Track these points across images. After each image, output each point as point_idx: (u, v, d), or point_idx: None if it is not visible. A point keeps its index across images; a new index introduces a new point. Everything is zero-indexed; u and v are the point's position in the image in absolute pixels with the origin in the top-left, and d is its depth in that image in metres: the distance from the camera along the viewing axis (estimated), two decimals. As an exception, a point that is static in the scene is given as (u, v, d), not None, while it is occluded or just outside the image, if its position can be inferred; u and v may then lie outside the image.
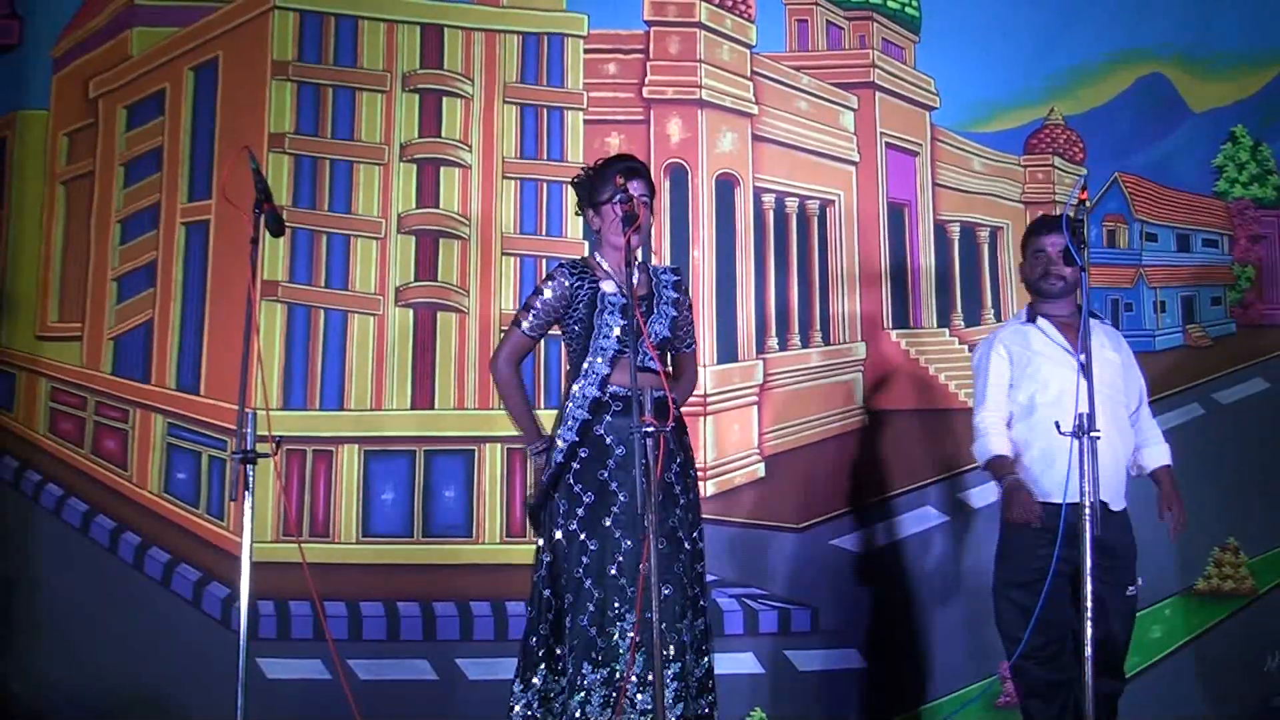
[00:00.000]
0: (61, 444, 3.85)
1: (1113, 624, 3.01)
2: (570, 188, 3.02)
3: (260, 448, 2.50)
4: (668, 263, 3.85)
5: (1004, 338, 3.17)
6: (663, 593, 2.67)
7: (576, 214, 3.02)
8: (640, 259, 2.95)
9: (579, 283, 2.88)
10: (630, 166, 2.91)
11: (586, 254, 3.98)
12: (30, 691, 3.67)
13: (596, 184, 2.91)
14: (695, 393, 3.86)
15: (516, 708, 2.79)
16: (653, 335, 2.88)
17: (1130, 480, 3.11)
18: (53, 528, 3.78)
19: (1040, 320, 3.13)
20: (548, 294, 2.89)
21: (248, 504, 2.46)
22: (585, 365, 2.86)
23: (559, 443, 2.84)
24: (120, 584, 3.75)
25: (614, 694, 2.70)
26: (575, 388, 2.86)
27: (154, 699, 3.61)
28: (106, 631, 3.69)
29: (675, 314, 2.96)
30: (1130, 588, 3.06)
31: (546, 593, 2.81)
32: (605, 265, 2.92)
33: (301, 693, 3.60)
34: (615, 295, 2.87)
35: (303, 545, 3.42)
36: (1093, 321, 3.06)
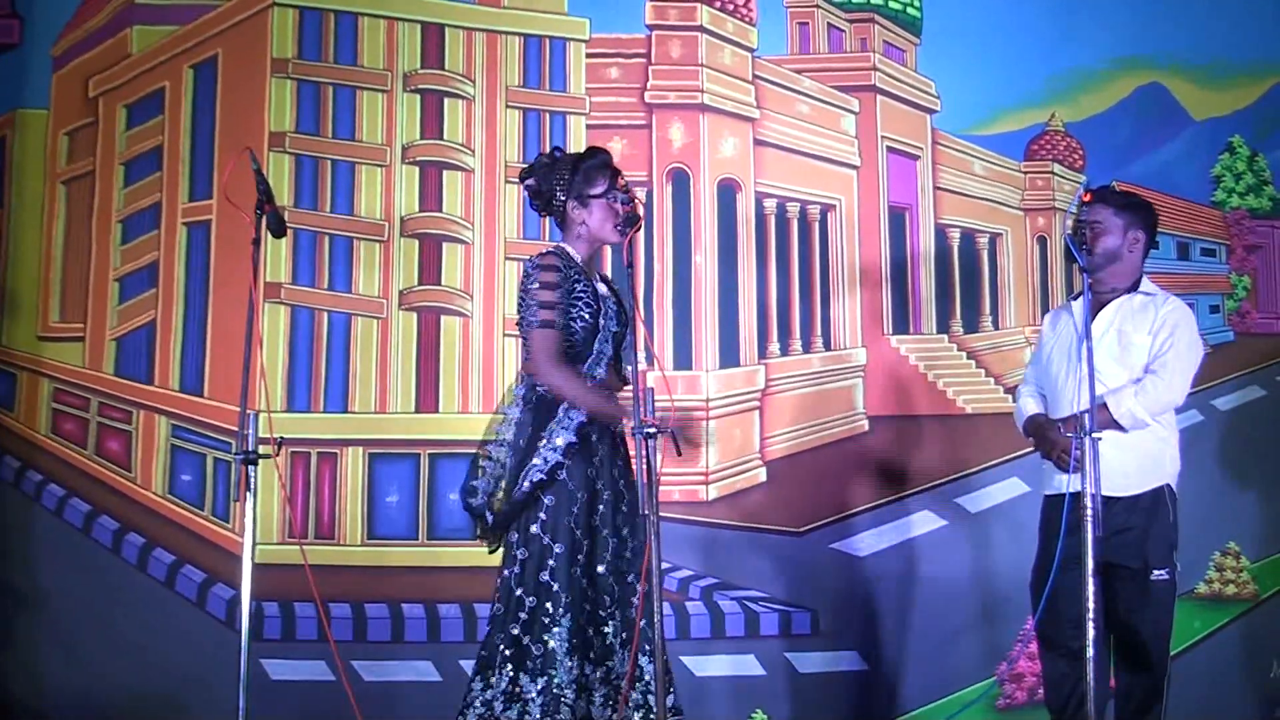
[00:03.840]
0: (64, 444, 3.97)
1: (1123, 612, 3.02)
2: (538, 178, 2.91)
3: (264, 450, 2.58)
4: (670, 269, 3.98)
5: (1050, 317, 3.31)
6: (637, 590, 2.80)
7: (542, 213, 2.97)
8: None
9: (575, 276, 2.86)
10: (611, 162, 2.91)
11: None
12: (32, 693, 3.78)
13: (585, 176, 2.88)
14: (698, 397, 4.01)
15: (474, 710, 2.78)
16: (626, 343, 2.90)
17: (1158, 459, 3.06)
18: (54, 528, 3.90)
19: (1075, 303, 3.14)
20: (556, 281, 2.81)
21: (249, 505, 2.54)
22: (584, 367, 2.86)
23: (556, 440, 2.81)
24: (123, 585, 3.87)
25: (612, 691, 2.79)
26: None
27: (157, 700, 3.72)
28: (110, 633, 3.81)
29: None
30: (1157, 572, 3.02)
31: (519, 592, 2.80)
32: (581, 262, 2.90)
33: (306, 694, 3.72)
34: (611, 299, 2.92)
35: (306, 547, 3.53)
36: (1134, 299, 3.11)
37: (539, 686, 2.75)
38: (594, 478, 2.84)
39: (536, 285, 2.83)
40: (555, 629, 2.77)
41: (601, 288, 2.91)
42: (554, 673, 2.76)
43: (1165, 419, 3.12)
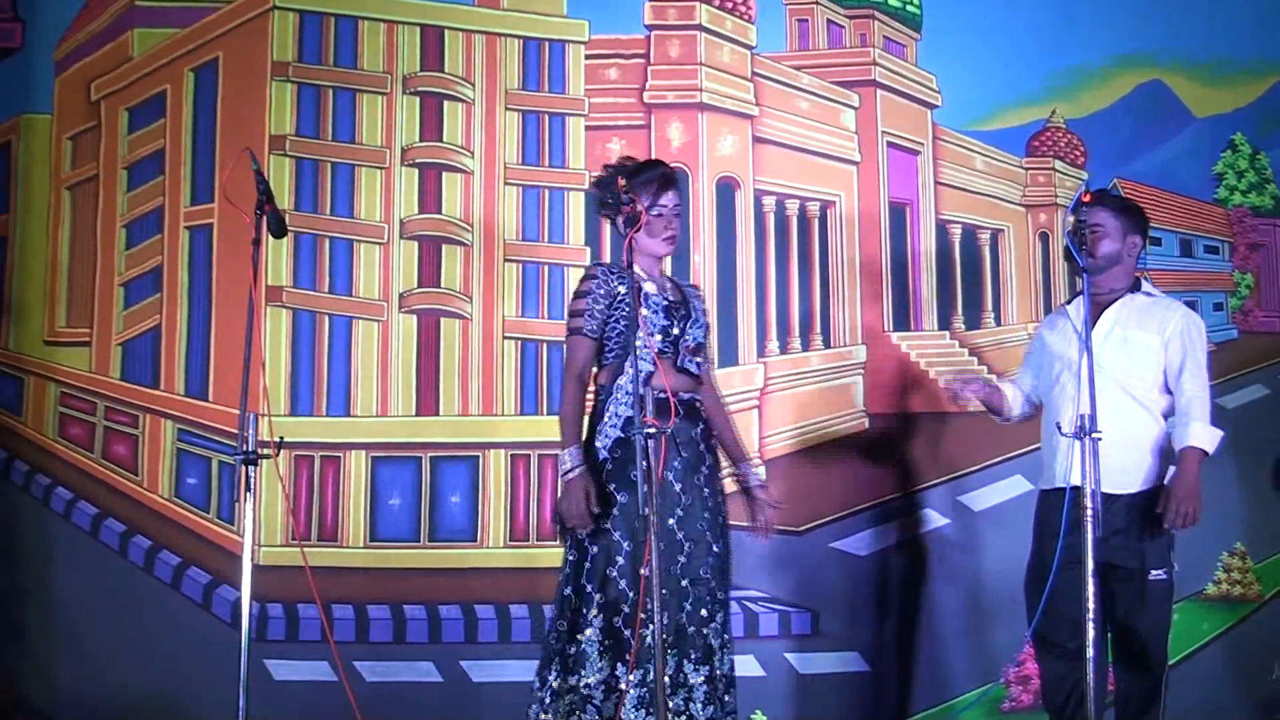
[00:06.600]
0: (71, 448, 4.06)
1: (1122, 613, 3.07)
2: (604, 191, 3.03)
3: (264, 451, 2.64)
4: (668, 268, 4.01)
5: (1047, 321, 3.39)
6: (691, 595, 2.88)
7: (607, 216, 3.08)
8: (669, 271, 3.16)
9: (620, 281, 2.97)
10: (658, 176, 3.05)
11: (588, 260, 4.17)
12: (41, 693, 3.89)
13: (636, 191, 2.97)
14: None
15: (534, 707, 2.95)
16: (690, 340, 3.04)
17: (1161, 460, 3.13)
18: (63, 531, 3.99)
19: (1072, 305, 3.26)
20: (598, 290, 2.97)
21: (249, 505, 2.61)
22: (628, 365, 2.91)
23: (603, 439, 2.94)
24: (130, 587, 3.95)
25: (648, 694, 2.84)
26: (619, 386, 2.94)
27: (163, 700, 3.82)
28: (117, 633, 3.90)
29: (707, 324, 3.12)
30: (1154, 572, 3.08)
31: (568, 591, 2.94)
32: (639, 269, 3.04)
33: (308, 694, 3.80)
34: (657, 296, 3.02)
35: (308, 549, 3.61)
36: (1136, 299, 3.19)
37: (570, 684, 2.87)
38: (637, 480, 2.84)
39: (573, 296, 3.06)
40: (588, 629, 2.87)
41: (650, 287, 3.01)
42: (584, 672, 2.86)
43: (1162, 422, 3.16)
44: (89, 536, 3.99)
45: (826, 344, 4.19)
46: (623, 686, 2.85)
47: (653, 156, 4.08)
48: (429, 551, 3.99)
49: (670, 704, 2.86)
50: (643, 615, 2.85)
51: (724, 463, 3.19)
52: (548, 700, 2.91)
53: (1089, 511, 2.70)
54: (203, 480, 4.02)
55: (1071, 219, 2.95)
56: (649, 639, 2.84)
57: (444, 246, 4.12)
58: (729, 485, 3.21)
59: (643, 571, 2.80)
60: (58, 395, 4.07)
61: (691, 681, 2.90)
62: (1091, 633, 2.71)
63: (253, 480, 2.62)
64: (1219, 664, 4.04)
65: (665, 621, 2.82)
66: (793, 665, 3.97)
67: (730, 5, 4.24)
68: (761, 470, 3.15)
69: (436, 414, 4.05)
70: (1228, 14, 4.25)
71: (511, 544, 3.99)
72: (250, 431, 2.61)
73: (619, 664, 2.86)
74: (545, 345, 4.08)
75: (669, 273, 3.94)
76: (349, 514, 3.98)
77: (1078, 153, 4.28)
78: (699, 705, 2.89)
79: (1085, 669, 2.73)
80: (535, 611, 3.89)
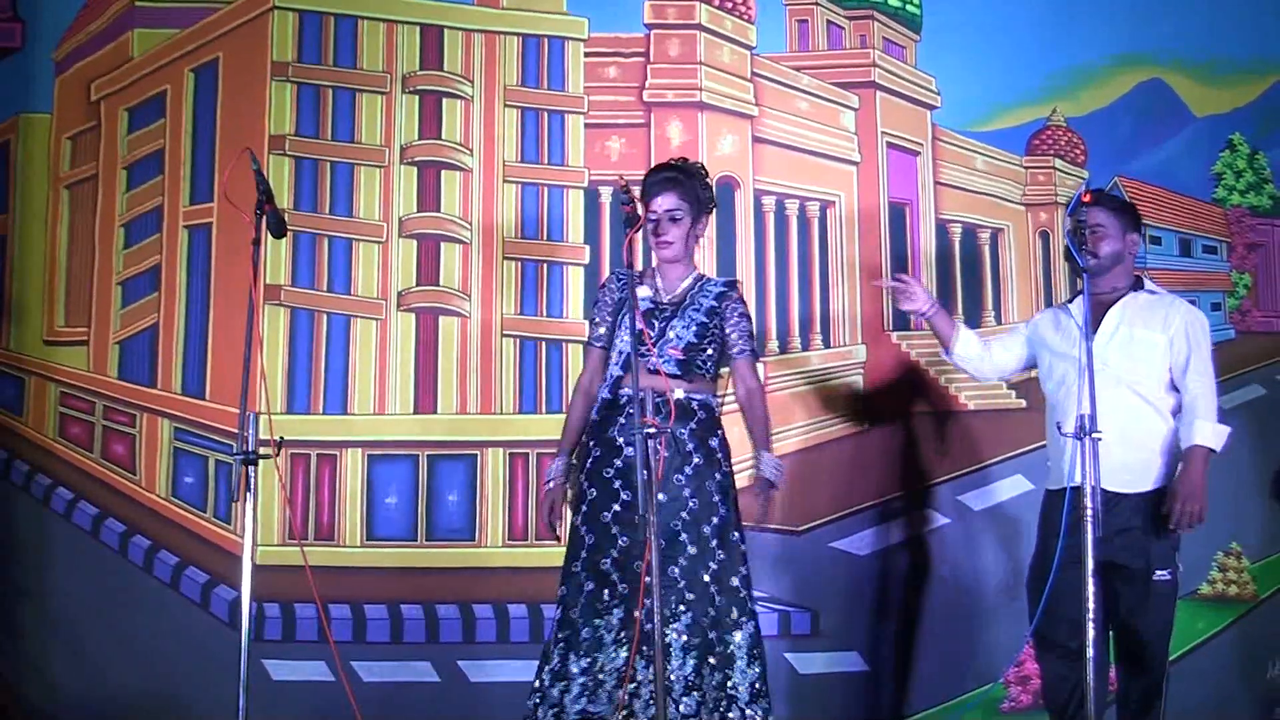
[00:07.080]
0: (71, 448, 4.06)
1: (1125, 613, 3.09)
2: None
3: (264, 450, 2.65)
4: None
5: (1050, 316, 3.39)
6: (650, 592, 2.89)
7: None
8: (697, 271, 3.22)
9: (624, 287, 3.04)
10: (652, 179, 3.16)
11: (588, 258, 4.08)
12: (41, 692, 3.89)
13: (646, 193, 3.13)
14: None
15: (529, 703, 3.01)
16: (675, 340, 3.04)
17: (1168, 459, 3.14)
18: (63, 531, 3.99)
19: (1073, 304, 3.26)
20: (599, 297, 3.19)
21: (249, 505, 2.62)
22: (607, 371, 3.11)
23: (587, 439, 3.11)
24: (130, 586, 3.96)
25: (592, 683, 2.90)
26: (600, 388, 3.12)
27: (162, 700, 3.82)
28: (117, 633, 3.91)
29: (706, 321, 3.12)
30: (1159, 572, 3.11)
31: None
32: (651, 271, 3.17)
33: (307, 694, 3.81)
34: (644, 299, 3.09)
35: (306, 549, 3.60)
36: (1139, 297, 3.22)
37: (541, 678, 2.97)
38: (611, 477, 2.99)
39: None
40: (556, 622, 2.98)
41: (644, 290, 3.11)
42: (548, 662, 2.96)
43: (1171, 420, 3.16)
44: (89, 536, 3.99)
45: (826, 344, 4.20)
46: (572, 672, 2.89)
47: (653, 156, 4.13)
48: (427, 551, 3.99)
49: (619, 693, 2.89)
50: (600, 605, 2.92)
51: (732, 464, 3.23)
52: (536, 700, 2.97)
53: (1089, 511, 2.70)
54: (199, 480, 4.02)
55: (1070, 220, 2.98)
56: (601, 632, 2.89)
57: (443, 245, 4.13)
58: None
59: (637, 566, 2.85)
60: (58, 395, 4.07)
61: (639, 678, 2.92)
62: (1091, 633, 2.73)
63: (252, 480, 2.62)
64: (1218, 662, 4.04)
65: (623, 616, 2.87)
66: (792, 665, 3.97)
67: (730, 5, 4.26)
68: (769, 465, 3.14)
69: (434, 412, 4.06)
70: (1228, 14, 4.27)
71: (509, 543, 3.99)
72: (250, 431, 2.61)
73: (570, 655, 2.92)
74: (544, 344, 4.09)
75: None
76: (346, 513, 3.98)
77: (1078, 151, 4.29)
78: (641, 703, 2.91)
79: (1085, 669, 2.74)
80: (534, 611, 3.89)
